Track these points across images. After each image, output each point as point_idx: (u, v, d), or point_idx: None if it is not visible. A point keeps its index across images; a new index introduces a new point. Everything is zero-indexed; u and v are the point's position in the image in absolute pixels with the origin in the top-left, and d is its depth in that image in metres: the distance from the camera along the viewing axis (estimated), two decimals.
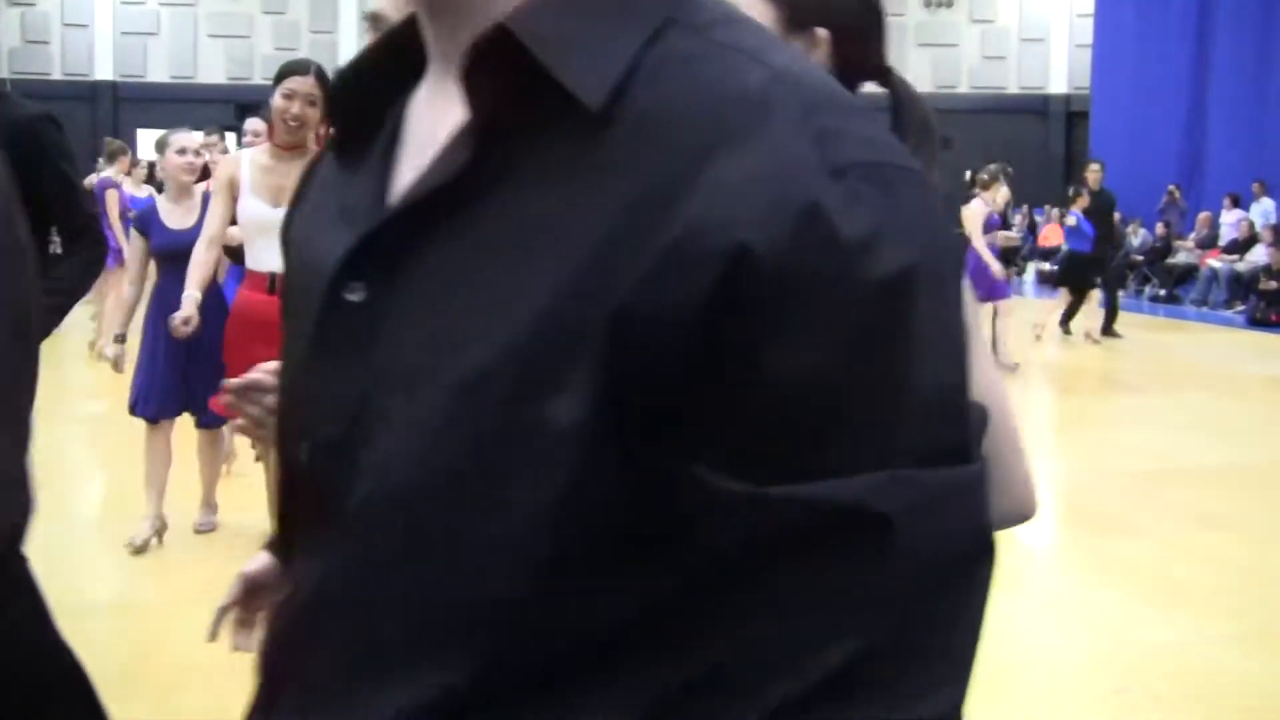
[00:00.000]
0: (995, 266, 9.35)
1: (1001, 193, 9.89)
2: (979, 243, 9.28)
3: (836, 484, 0.54)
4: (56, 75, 26.27)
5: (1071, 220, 11.49)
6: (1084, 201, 11.45)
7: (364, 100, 0.73)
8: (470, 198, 0.61)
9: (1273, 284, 13.83)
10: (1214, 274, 15.56)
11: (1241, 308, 14.57)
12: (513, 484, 0.57)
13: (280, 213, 3.12)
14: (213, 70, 26.51)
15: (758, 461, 0.54)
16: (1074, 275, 11.58)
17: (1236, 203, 17.11)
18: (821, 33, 1.22)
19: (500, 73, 0.60)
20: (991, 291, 9.28)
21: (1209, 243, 16.69)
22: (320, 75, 3.75)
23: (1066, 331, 11.84)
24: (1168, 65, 20.97)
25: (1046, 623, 4.15)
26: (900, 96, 1.29)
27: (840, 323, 0.54)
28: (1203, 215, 17.34)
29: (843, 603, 0.55)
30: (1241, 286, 14.91)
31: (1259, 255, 14.88)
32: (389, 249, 0.64)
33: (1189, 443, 7.24)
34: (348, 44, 29.48)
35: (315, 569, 0.66)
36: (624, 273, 0.55)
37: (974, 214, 9.48)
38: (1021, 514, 1.25)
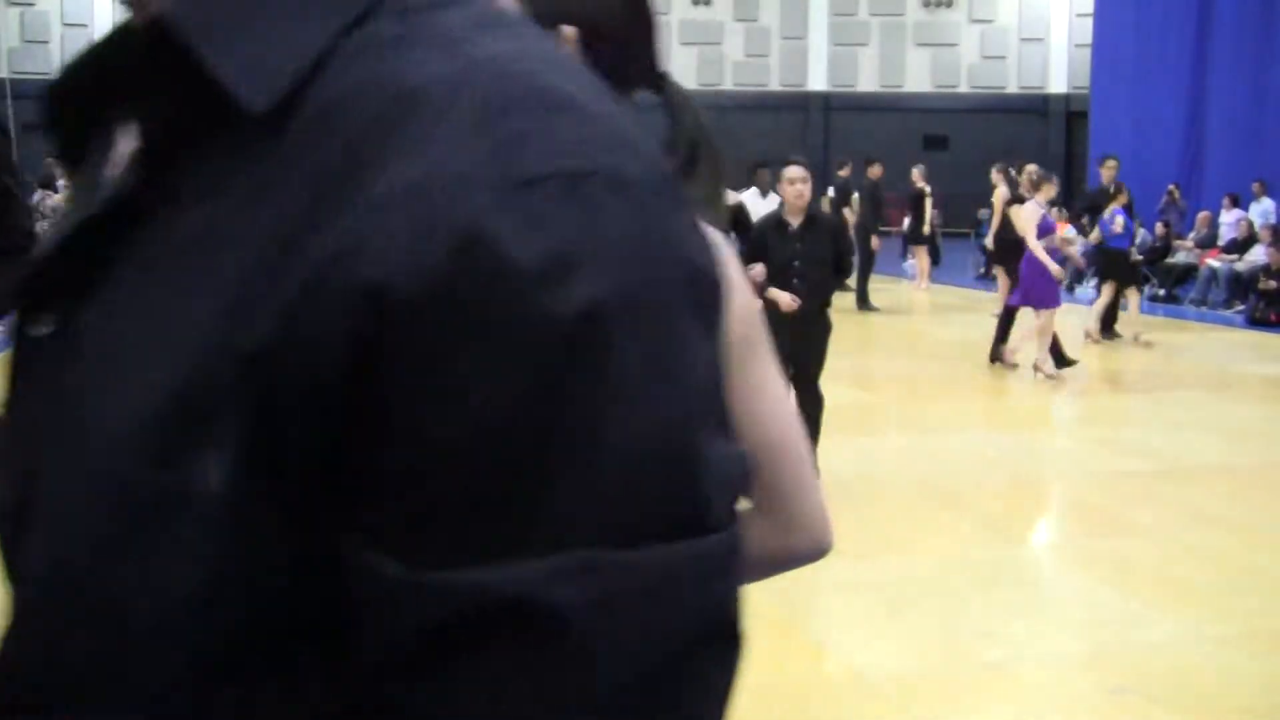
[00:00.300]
0: (1054, 269, 9.08)
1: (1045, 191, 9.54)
2: (1035, 246, 9.02)
3: (503, 571, 0.45)
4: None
5: (1119, 222, 11.25)
6: (1124, 198, 11.43)
7: (85, 108, 0.62)
8: (136, 221, 0.53)
9: (1272, 284, 13.82)
10: (1213, 274, 15.55)
11: (1241, 307, 14.55)
12: (161, 562, 0.48)
13: None
14: None
15: (418, 541, 0.45)
16: (1119, 271, 11.48)
17: (1236, 202, 17.11)
18: (568, 31, 1.13)
19: (160, 70, 0.51)
20: (1043, 299, 9.03)
21: (1208, 242, 16.68)
22: None
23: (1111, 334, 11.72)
24: (1167, 65, 20.98)
25: (1045, 622, 4.16)
26: (674, 105, 1.24)
27: (507, 372, 0.45)
28: (1202, 215, 17.33)
29: (520, 716, 0.46)
30: (1241, 286, 14.90)
31: (1258, 255, 14.88)
32: (63, 280, 0.55)
33: (1189, 443, 7.24)
34: None
35: (4, 641, 0.59)
36: (265, 310, 0.47)
37: (1028, 217, 9.16)
38: (816, 550, 1.24)
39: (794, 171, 5.62)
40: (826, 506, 1.22)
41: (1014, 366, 9.49)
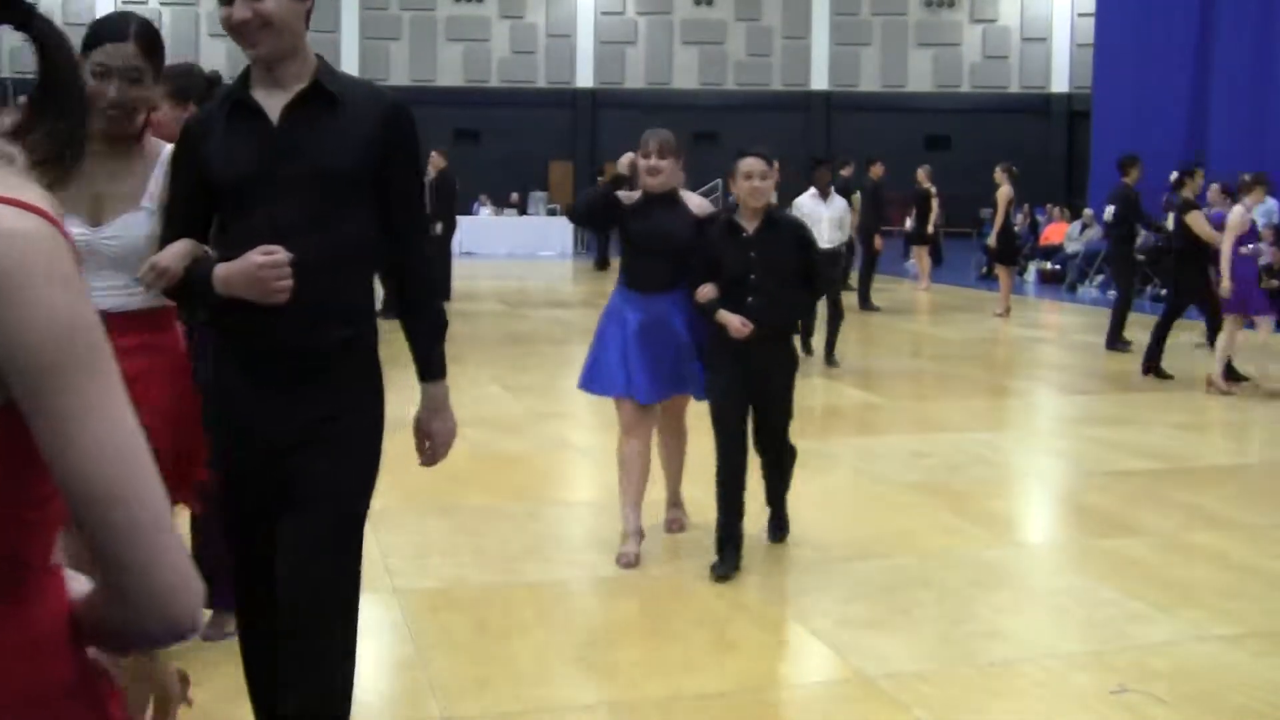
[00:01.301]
0: (1225, 283, 8.59)
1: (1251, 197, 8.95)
2: (1227, 254, 8.56)
3: None
4: None
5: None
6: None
7: None
8: None
9: (1274, 283, 13.81)
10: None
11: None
12: None
13: (105, 232, 2.60)
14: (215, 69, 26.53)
15: None
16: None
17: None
18: None
19: None
20: (1246, 304, 8.57)
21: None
22: (146, 37, 2.69)
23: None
24: (1169, 64, 20.96)
25: (1046, 622, 4.16)
26: (44, 46, 1.07)
27: None
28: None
29: None
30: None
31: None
32: None
33: (1190, 443, 7.24)
34: (349, 44, 29.46)
35: None
36: None
37: (1235, 221, 8.65)
38: (165, 630, 1.01)
39: (750, 164, 4.50)
40: (185, 578, 1.00)
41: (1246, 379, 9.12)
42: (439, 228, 14.51)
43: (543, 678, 3.60)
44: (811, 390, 8.91)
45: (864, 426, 7.84)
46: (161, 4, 28.64)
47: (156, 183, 2.67)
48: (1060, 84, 30.50)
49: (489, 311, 14.42)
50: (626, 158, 4.62)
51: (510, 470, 6.28)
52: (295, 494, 2.42)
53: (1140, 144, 20.08)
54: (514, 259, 23.35)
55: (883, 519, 5.41)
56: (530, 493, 5.89)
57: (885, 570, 4.66)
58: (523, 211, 26.32)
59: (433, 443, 2.64)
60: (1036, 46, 30.75)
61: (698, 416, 4.49)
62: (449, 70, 30.06)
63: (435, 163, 14.49)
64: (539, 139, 29.76)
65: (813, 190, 9.96)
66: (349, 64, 28.44)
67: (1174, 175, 10.20)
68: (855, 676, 3.66)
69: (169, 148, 2.72)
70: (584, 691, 3.53)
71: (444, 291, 14.63)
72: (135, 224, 2.63)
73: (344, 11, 29.45)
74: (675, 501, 5.09)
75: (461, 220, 17.71)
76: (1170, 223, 10.15)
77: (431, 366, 2.61)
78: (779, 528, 4.98)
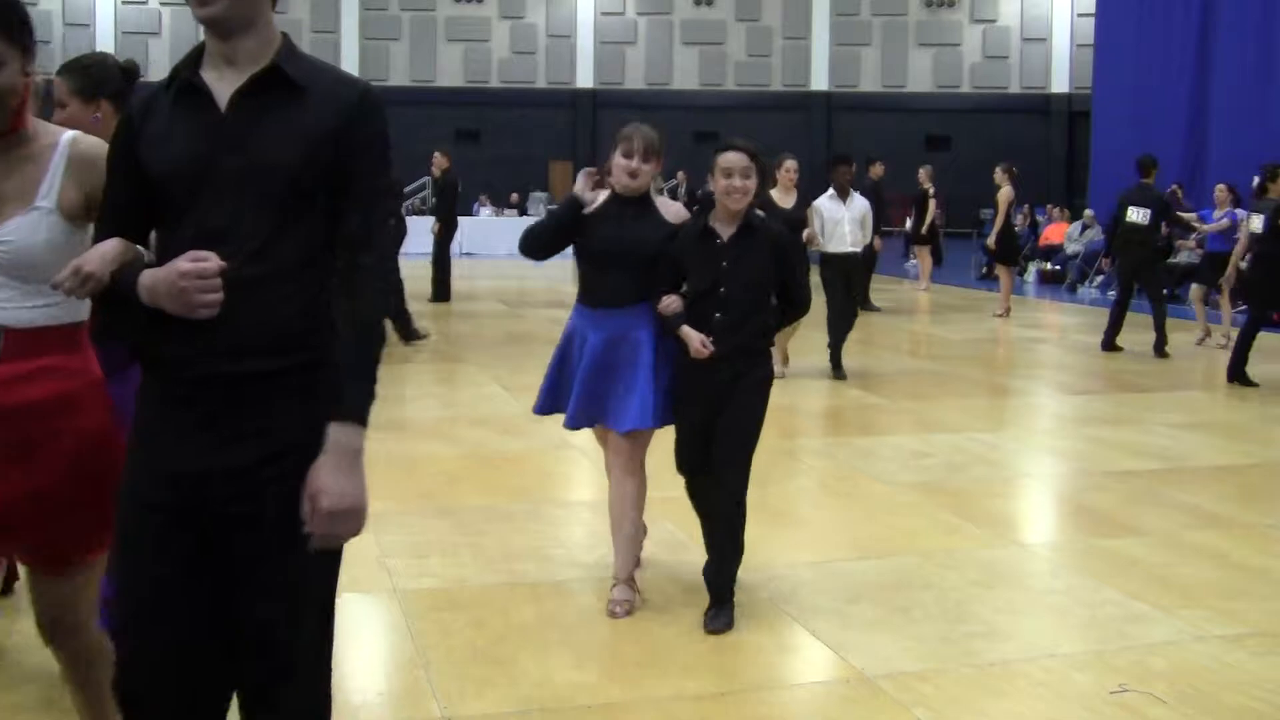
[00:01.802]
0: None
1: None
2: None
3: None
4: None
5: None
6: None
7: None
8: None
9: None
10: None
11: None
12: None
13: None
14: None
15: None
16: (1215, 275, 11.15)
17: (1239, 203, 17.09)
18: None
19: None
20: None
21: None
22: (7, 18, 2.28)
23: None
24: (1169, 65, 20.98)
25: (1046, 622, 4.16)
26: None
27: None
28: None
29: None
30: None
31: None
32: None
33: (1189, 443, 7.24)
34: (349, 44, 29.48)
35: None
36: None
37: None
38: None
39: (730, 159, 3.95)
40: None
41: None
42: (438, 227, 14.53)
43: (543, 678, 3.60)
44: (812, 390, 8.91)
45: (864, 426, 7.83)
46: (161, 4, 28.66)
47: (54, 179, 2.35)
48: (1060, 84, 30.51)
49: (489, 311, 14.43)
50: (584, 177, 4.16)
51: (510, 470, 6.28)
52: (239, 551, 2.03)
53: (1140, 144, 20.07)
54: (514, 259, 23.32)
55: (883, 519, 5.41)
56: (530, 493, 5.89)
57: (885, 570, 4.66)
58: (523, 211, 26.31)
59: (315, 504, 1.94)
60: (1036, 46, 30.76)
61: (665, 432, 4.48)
62: (449, 70, 30.07)
63: (439, 163, 14.52)
64: (539, 139, 29.77)
65: (831, 191, 9.37)
66: (349, 64, 28.45)
67: (1255, 180, 10.01)
68: (855, 676, 3.66)
69: (68, 135, 2.41)
70: (584, 692, 3.53)
71: (444, 293, 14.64)
72: (29, 226, 2.29)
73: (344, 11, 29.48)
74: (627, 577, 4.20)
75: (461, 220, 17.71)
76: (1252, 225, 9.98)
77: (347, 405, 1.98)
78: (722, 619, 4.02)
